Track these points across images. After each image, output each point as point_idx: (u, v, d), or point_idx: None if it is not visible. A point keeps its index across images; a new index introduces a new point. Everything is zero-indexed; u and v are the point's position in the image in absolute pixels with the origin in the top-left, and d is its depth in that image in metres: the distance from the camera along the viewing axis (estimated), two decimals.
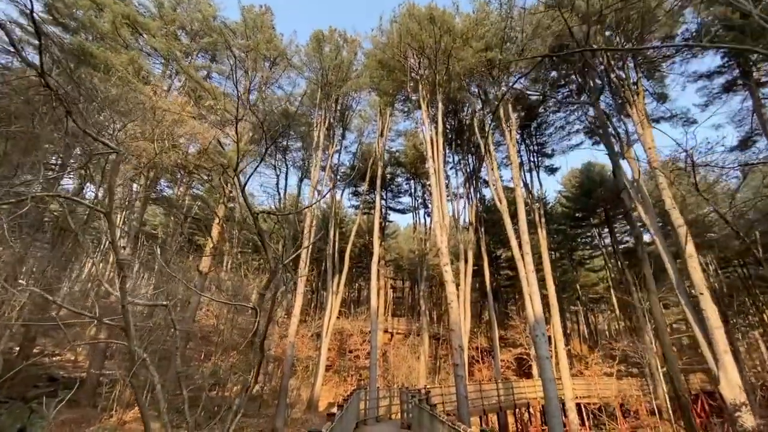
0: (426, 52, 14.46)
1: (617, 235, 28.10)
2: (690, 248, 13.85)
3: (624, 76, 16.72)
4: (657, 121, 20.65)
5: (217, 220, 15.98)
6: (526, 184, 22.55)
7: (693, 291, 15.29)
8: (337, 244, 22.97)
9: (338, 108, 21.42)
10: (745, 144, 19.19)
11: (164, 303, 6.79)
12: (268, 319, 6.38)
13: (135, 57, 14.86)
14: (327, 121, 19.62)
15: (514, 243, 14.91)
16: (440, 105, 14.85)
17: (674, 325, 34.05)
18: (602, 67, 20.39)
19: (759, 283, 29.55)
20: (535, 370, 23.87)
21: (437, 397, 12.88)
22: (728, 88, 19.08)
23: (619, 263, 28.34)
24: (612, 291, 32.45)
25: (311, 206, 15.90)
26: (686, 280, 15.51)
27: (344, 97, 21.42)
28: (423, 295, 24.13)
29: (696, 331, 13.81)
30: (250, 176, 7.67)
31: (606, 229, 30.40)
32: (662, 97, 20.24)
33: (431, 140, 13.98)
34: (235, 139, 15.71)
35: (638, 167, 17.43)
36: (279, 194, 26.25)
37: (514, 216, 16.40)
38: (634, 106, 16.31)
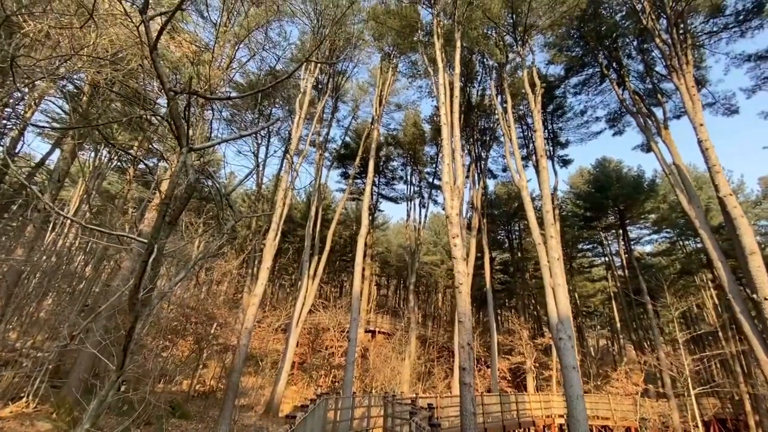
0: None
1: (629, 241, 25.58)
2: (751, 243, 11.24)
3: (672, 40, 14.17)
4: None
5: (167, 173, 12.76)
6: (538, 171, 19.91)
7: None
8: (319, 224, 19.89)
9: (330, 63, 18.37)
10: None
11: None
12: (151, 251, 3.35)
13: None
14: (316, 72, 16.58)
15: (534, 224, 12.09)
16: (459, 44, 12.03)
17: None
18: (635, 42, 18.10)
19: None
20: (530, 383, 21.12)
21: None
22: None
23: (626, 271, 25.96)
24: (614, 302, 30.09)
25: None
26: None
27: (339, 51, 18.41)
28: (413, 289, 21.12)
29: (755, 345, 11.18)
30: (168, 20, 4.62)
31: (614, 234, 28.09)
32: (701, 82, 17.86)
33: (445, 84, 11.13)
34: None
35: (678, 151, 14.93)
36: (257, 161, 23.08)
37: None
38: (682, 77, 13.77)
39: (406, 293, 26.74)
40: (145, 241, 3.87)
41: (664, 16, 14.76)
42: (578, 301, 33.26)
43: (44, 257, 14.23)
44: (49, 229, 17.95)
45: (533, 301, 32.35)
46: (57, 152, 15.97)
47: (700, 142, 12.92)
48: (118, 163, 23.61)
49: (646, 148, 19.89)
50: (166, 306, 12.36)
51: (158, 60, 4.27)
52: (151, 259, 3.34)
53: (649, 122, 16.19)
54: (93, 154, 20.72)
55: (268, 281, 15.70)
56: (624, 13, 16.42)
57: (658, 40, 14.47)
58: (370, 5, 16.28)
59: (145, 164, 7.47)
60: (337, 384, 18.70)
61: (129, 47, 10.22)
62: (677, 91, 14.47)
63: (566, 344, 10.31)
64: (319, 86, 20.35)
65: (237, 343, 12.43)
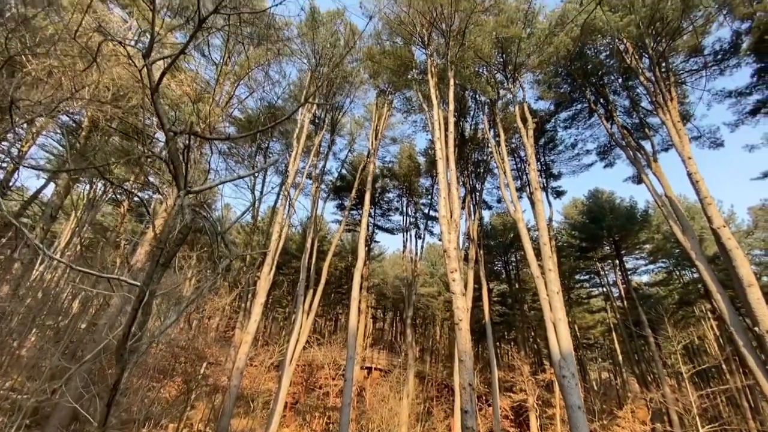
0: (437, 21, 12.23)
1: (626, 272, 25.49)
2: (749, 275, 11.23)
3: (655, 78, 14.78)
4: None
5: (163, 206, 12.67)
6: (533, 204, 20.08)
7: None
8: (314, 256, 19.66)
9: (329, 104, 18.89)
10: None
11: None
12: (143, 298, 3.22)
13: None
14: (313, 108, 17.00)
15: (531, 257, 12.04)
16: (452, 82, 12.46)
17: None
18: (620, 80, 18.86)
19: None
20: (533, 422, 20.27)
21: None
22: (756, 110, 17.40)
23: (624, 302, 25.65)
24: (614, 334, 29.60)
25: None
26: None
27: (336, 88, 18.99)
28: (410, 323, 20.62)
29: (760, 380, 10.89)
30: (170, 64, 4.73)
31: (610, 265, 28.03)
32: (685, 116, 18.50)
33: (440, 120, 11.41)
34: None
35: (668, 183, 15.20)
36: (254, 197, 23.11)
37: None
38: (668, 112, 14.27)
39: (403, 327, 26.14)
40: (136, 283, 3.73)
41: (647, 56, 15.48)
42: (578, 333, 32.71)
43: (30, 292, 13.80)
44: (38, 263, 17.54)
45: (533, 334, 31.71)
46: (51, 185, 15.89)
47: (689, 174, 13.19)
48: (113, 196, 23.56)
49: (637, 180, 20.25)
50: (155, 345, 11.89)
51: (159, 101, 4.33)
52: (141, 306, 3.19)
53: (639, 155, 16.57)
54: (88, 187, 20.66)
55: (261, 316, 15.27)
56: (608, 52, 17.18)
57: (642, 78, 15.09)
58: (366, 45, 16.93)
59: (140, 198, 7.42)
60: (331, 426, 17.80)
61: (130, 86, 10.43)
62: (664, 126, 14.94)
63: (570, 382, 9.97)
64: (316, 121, 20.79)
65: (228, 383, 11.91)
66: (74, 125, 13.88)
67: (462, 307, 9.01)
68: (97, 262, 13.43)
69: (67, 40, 8.05)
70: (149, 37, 4.27)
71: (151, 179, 16.06)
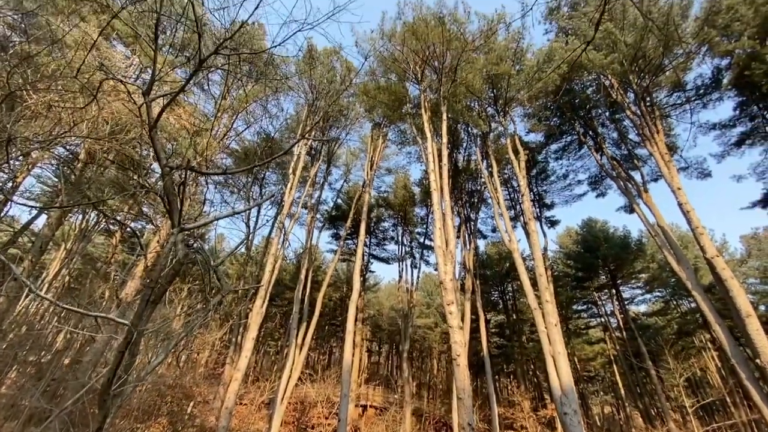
0: (430, 59, 12.76)
1: (623, 301, 25.28)
2: (746, 305, 11.18)
3: (641, 111, 15.31)
4: None
5: (156, 237, 12.54)
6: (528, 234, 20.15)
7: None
8: (309, 287, 19.35)
9: (325, 140, 19.28)
10: None
11: None
12: (130, 340, 3.09)
13: (88, 30, 12.42)
14: (309, 140, 17.28)
15: (528, 288, 11.94)
16: (445, 116, 12.82)
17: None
18: (607, 113, 19.51)
19: None
20: None
21: None
22: (740, 141, 17.98)
23: (623, 332, 25.26)
24: (615, 366, 28.91)
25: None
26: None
27: (332, 121, 19.42)
28: (406, 357, 20.04)
29: (765, 413, 10.58)
30: (169, 102, 4.81)
31: (607, 294, 27.83)
32: (672, 148, 19.03)
33: (433, 152, 11.63)
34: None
35: (660, 212, 15.39)
36: (248, 229, 22.98)
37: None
38: (655, 144, 14.68)
39: (400, 360, 25.42)
40: (125, 322, 3.59)
41: (632, 91, 16.10)
42: (578, 366, 31.91)
43: (13, 327, 13.31)
44: (23, 296, 17.04)
45: (532, 367, 30.91)
46: (43, 215, 15.66)
47: (680, 205, 13.38)
48: (106, 226, 23.28)
49: (630, 209, 20.48)
50: (141, 385, 11.38)
51: (157, 138, 4.34)
52: (128, 347, 3.06)
53: (629, 185, 16.86)
54: (80, 217, 20.46)
55: (252, 351, 14.79)
56: (594, 87, 17.85)
57: (628, 112, 15.62)
58: (362, 81, 17.48)
59: (132, 230, 7.32)
60: None
61: (128, 119, 10.56)
62: (652, 157, 15.32)
63: (572, 420, 9.61)
64: (313, 152, 21.11)
65: (216, 423, 11.33)
66: (71, 157, 13.93)
67: (460, 341, 8.79)
68: (85, 295, 13.05)
69: (69, 77, 8.23)
70: (150, 74, 4.35)
71: (145, 209, 15.96)
